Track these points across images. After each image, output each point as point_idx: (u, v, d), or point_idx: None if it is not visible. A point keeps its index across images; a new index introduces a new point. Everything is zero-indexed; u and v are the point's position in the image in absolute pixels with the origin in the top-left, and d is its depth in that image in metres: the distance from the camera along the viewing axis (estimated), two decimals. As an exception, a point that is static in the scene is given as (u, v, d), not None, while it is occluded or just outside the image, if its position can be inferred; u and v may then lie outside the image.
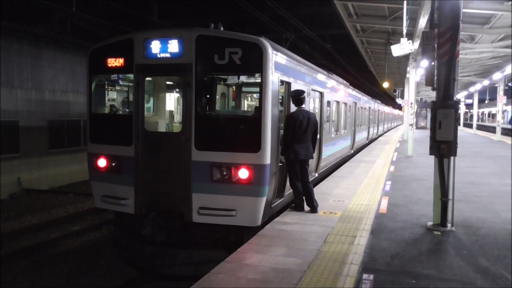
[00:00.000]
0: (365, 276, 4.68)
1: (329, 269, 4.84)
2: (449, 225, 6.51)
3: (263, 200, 6.17)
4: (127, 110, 7.05)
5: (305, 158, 7.32)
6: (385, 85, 28.88)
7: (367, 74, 39.07)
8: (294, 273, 4.69)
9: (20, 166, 15.64)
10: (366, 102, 22.25)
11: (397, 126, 57.65)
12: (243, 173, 6.06)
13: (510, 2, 11.71)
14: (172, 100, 8.88)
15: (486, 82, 30.12)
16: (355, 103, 17.51)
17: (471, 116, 58.83)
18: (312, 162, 9.62)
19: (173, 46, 6.30)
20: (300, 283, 4.44)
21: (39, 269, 8.45)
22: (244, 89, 9.75)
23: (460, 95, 41.47)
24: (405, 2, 13.09)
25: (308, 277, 4.60)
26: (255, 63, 6.10)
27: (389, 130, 45.90)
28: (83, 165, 13.43)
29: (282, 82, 6.95)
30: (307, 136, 7.26)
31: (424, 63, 8.42)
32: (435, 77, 6.48)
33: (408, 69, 20.61)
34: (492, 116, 67.87)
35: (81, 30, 20.98)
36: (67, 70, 17.93)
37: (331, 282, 4.47)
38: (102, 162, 6.97)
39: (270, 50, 6.10)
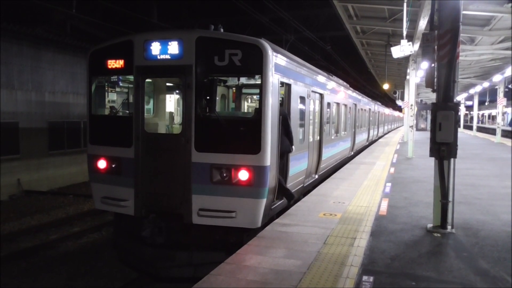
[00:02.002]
0: (365, 278, 4.67)
1: (329, 271, 4.83)
2: (449, 227, 6.50)
3: (263, 201, 6.16)
4: (127, 111, 7.05)
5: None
6: (385, 86, 28.84)
7: (367, 75, 39.08)
8: (293, 275, 4.68)
9: (20, 167, 15.62)
10: (366, 103, 22.26)
11: (397, 128, 57.64)
12: (243, 175, 6.05)
13: (510, 4, 11.72)
14: (172, 102, 8.88)
15: (486, 84, 30.15)
16: (355, 105, 17.52)
17: (471, 118, 58.88)
18: (312, 164, 9.63)
19: (173, 47, 6.31)
20: (300, 284, 4.43)
21: (38, 271, 8.43)
22: (244, 90, 9.76)
23: (460, 97, 41.51)
24: (405, 4, 13.10)
25: (308, 278, 4.59)
26: (255, 65, 6.09)
27: (389, 132, 45.89)
28: (83, 166, 13.44)
29: (282, 83, 6.94)
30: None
31: (424, 64, 8.42)
32: (435, 79, 6.48)
33: (408, 70, 20.62)
34: (492, 118, 67.91)
35: (81, 32, 20.97)
36: (67, 72, 17.93)
37: (331, 284, 4.46)
38: (102, 164, 6.97)
39: (270, 51, 6.10)
